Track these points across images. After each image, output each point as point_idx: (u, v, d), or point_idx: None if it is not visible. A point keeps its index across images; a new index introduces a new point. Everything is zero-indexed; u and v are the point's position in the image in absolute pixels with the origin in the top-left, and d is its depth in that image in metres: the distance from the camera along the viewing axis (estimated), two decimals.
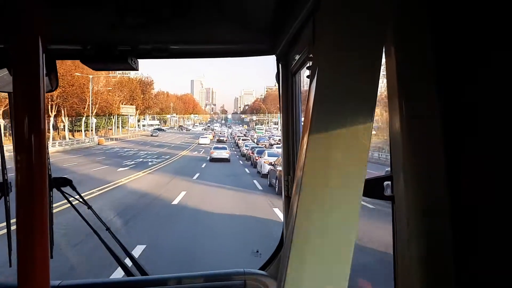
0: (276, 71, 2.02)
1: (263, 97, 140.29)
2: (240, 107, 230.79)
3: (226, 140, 55.07)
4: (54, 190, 1.85)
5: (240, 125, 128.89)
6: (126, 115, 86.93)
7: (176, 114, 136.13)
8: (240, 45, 1.98)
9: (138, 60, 1.82)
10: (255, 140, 58.32)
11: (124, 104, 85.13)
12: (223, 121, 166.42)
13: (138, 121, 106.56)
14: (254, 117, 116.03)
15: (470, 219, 0.77)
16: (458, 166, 0.78)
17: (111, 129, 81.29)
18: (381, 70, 0.83)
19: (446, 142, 0.79)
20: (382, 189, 0.97)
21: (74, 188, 1.94)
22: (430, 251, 0.80)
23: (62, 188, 1.90)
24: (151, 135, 70.03)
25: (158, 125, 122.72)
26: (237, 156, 40.84)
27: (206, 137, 64.95)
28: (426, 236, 0.80)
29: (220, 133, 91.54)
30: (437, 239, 0.80)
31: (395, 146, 0.85)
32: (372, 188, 0.96)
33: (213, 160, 33.31)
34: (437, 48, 0.80)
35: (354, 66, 0.81)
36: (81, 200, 1.96)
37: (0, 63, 1.55)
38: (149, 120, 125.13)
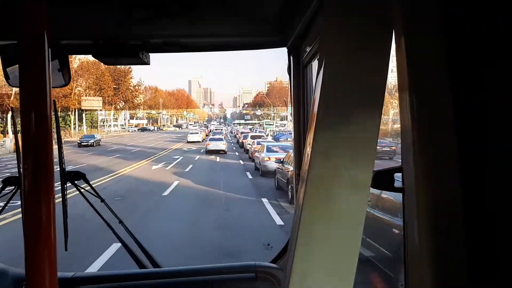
0: (287, 63, 1.94)
1: (264, 92, 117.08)
2: (239, 106, 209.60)
3: (224, 138, 37.70)
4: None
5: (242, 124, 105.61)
6: (93, 110, 63.09)
7: (167, 112, 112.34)
8: (250, 38, 1.90)
9: (149, 54, 1.78)
10: (269, 137, 35.94)
11: (88, 95, 61.46)
12: (221, 120, 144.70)
13: (116, 119, 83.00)
14: (259, 111, 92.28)
15: (482, 214, 0.73)
16: (470, 160, 0.74)
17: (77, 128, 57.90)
18: (392, 62, 0.80)
19: (458, 134, 0.74)
20: (393, 181, 0.93)
21: (87, 181, 1.90)
22: (441, 245, 0.75)
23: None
24: (79, 145, 36.29)
25: (146, 124, 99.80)
26: (249, 177, 16.80)
27: (197, 133, 47.31)
28: (436, 230, 0.75)
29: (216, 129, 68.57)
30: (448, 233, 0.74)
31: (405, 137, 0.80)
32: (382, 180, 0.93)
33: (209, 152, 28.96)
34: (449, 39, 0.75)
35: (361, 59, 0.78)
36: (94, 193, 1.93)
37: (13, 59, 1.54)
38: (134, 119, 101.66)
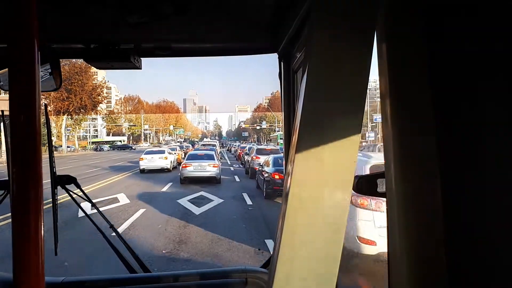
0: (278, 69, 1.92)
1: (265, 104, 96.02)
2: (234, 125, 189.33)
3: (217, 157, 19.29)
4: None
5: (238, 141, 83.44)
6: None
7: (150, 127, 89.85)
8: (242, 43, 1.88)
9: (141, 58, 1.75)
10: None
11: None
12: (216, 138, 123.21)
13: (71, 135, 60.15)
14: (264, 124, 70.07)
15: (462, 216, 0.74)
16: (450, 164, 0.74)
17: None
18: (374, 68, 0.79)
19: (439, 140, 0.74)
20: (376, 186, 0.94)
21: (78, 186, 1.85)
22: (422, 248, 0.75)
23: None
24: None
25: (122, 142, 77.20)
26: None
27: (163, 153, 23.72)
28: (417, 233, 0.75)
29: (204, 144, 46.21)
30: (429, 236, 0.75)
31: (387, 142, 0.80)
32: (366, 185, 0.94)
33: (186, 179, 16.82)
34: (432, 46, 0.75)
35: (344, 65, 0.78)
36: (84, 197, 1.88)
37: (3, 63, 1.53)
38: (110, 135, 79.02)
